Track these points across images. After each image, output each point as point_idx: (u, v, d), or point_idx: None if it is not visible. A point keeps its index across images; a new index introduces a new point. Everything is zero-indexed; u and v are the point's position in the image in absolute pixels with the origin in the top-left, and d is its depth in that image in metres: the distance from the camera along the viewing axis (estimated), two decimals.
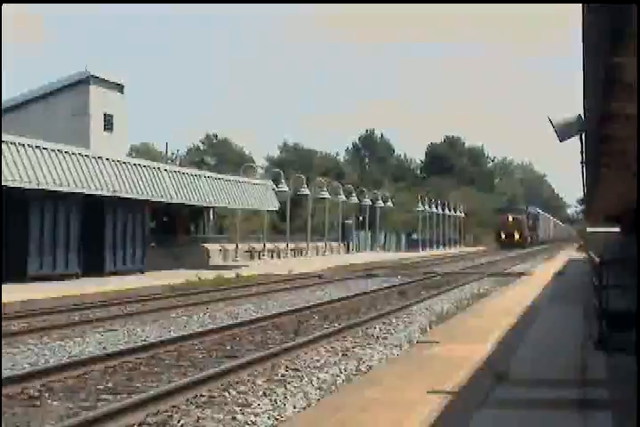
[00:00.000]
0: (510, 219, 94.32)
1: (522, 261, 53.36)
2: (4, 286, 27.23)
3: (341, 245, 71.77)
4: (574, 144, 11.99)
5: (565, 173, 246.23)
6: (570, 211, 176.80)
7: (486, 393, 9.37)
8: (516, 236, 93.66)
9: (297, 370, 12.55)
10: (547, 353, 12.63)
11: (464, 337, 14.52)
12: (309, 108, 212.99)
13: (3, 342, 15.55)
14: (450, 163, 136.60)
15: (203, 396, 10.54)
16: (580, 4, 5.53)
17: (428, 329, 17.12)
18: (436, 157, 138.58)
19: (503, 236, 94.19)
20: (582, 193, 23.13)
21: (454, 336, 14.70)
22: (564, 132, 11.54)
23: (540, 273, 36.45)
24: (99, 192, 32.87)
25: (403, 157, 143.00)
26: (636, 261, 13.40)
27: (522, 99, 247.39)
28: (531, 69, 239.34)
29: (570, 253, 67.90)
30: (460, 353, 12.45)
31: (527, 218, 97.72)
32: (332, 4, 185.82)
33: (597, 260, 14.92)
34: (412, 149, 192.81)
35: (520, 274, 36.58)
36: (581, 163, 13.22)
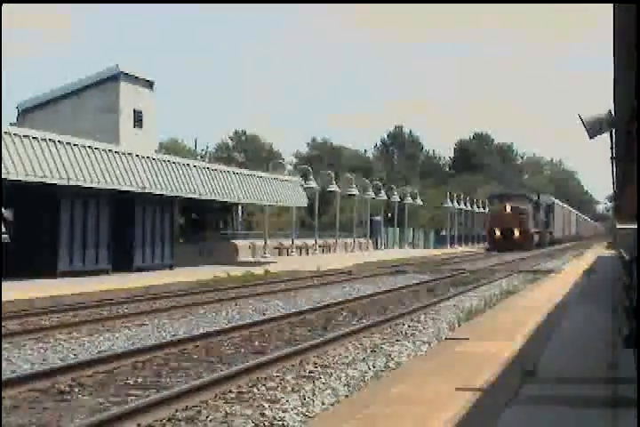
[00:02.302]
0: (508, 209, 71.64)
1: (551, 259, 53.11)
2: (34, 281, 27.46)
3: (369, 241, 71.71)
4: (605, 140, 11.95)
5: (596, 169, 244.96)
6: (599, 207, 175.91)
7: (515, 390, 9.35)
8: (516, 233, 70.73)
9: (325, 366, 12.55)
10: (575, 350, 12.58)
11: (493, 334, 14.48)
12: (338, 105, 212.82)
13: (33, 338, 15.67)
14: (479, 159, 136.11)
15: (231, 392, 10.56)
16: (611, 4, 5.51)
17: (457, 326, 17.07)
18: (465, 153, 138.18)
19: (497, 233, 71.58)
20: (612, 190, 22.99)
21: (483, 333, 14.67)
22: (594, 129, 11.48)
23: (569, 270, 36.29)
24: (128, 189, 32.99)
25: (431, 153, 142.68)
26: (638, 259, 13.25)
27: (552, 95, 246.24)
28: (561, 66, 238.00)
29: (599, 251, 67.55)
30: (489, 350, 12.43)
31: (535, 209, 75.77)
32: (359, 4, 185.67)
33: (627, 257, 14.84)
34: (440, 145, 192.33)
35: (549, 271, 36.43)
36: (611, 159, 13.16)
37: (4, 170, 26.61)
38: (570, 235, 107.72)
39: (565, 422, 8.06)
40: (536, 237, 75.76)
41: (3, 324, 17.84)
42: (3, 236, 34.08)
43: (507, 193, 79.21)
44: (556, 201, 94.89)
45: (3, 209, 33.46)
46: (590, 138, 11.65)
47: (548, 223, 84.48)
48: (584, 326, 15.66)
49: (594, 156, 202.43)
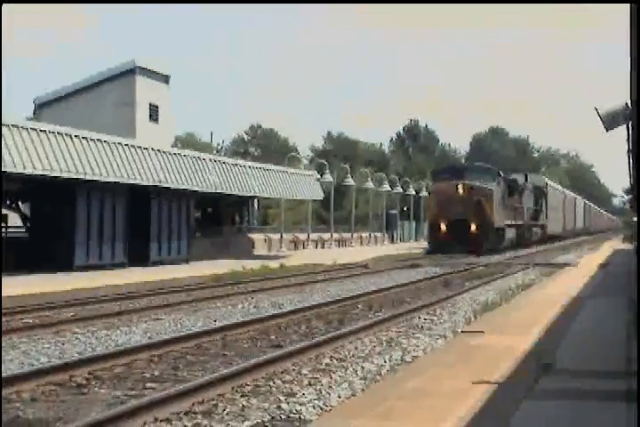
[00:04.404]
0: (460, 190, 47.73)
1: (566, 252, 52.96)
2: (51, 275, 27.57)
3: (385, 235, 71.68)
4: (621, 133, 11.94)
5: (612, 162, 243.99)
6: (616, 201, 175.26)
7: (532, 384, 9.35)
8: (472, 227, 47.19)
9: (341, 360, 12.57)
10: (592, 344, 12.57)
11: (508, 328, 14.47)
12: (354, 101, 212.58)
13: (50, 331, 15.74)
14: (494, 153, 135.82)
15: (248, 385, 10.59)
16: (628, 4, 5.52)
17: (473, 319, 17.06)
18: (481, 147, 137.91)
19: (442, 227, 47.57)
20: (629, 182, 22.96)
21: (499, 327, 14.66)
22: (610, 122, 11.48)
23: (585, 264, 36.20)
24: (145, 183, 33.05)
25: (447, 147, 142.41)
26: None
27: (569, 88, 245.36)
28: (578, 59, 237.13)
29: (615, 245, 67.26)
30: (505, 343, 12.42)
31: (508, 190, 53.45)
32: (374, 4, 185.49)
33: None
34: (456, 139, 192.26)
35: (564, 265, 36.35)
36: (628, 152, 13.14)
37: (20, 164, 26.70)
38: (574, 229, 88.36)
39: (582, 416, 8.06)
40: (509, 233, 53.30)
41: (21, 317, 17.97)
42: (19, 230, 34.22)
43: (459, 166, 58.37)
44: (551, 183, 74.33)
45: (19, 204, 33.60)
46: (607, 131, 11.65)
47: (536, 213, 64.61)
48: (600, 320, 15.63)
49: (611, 149, 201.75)
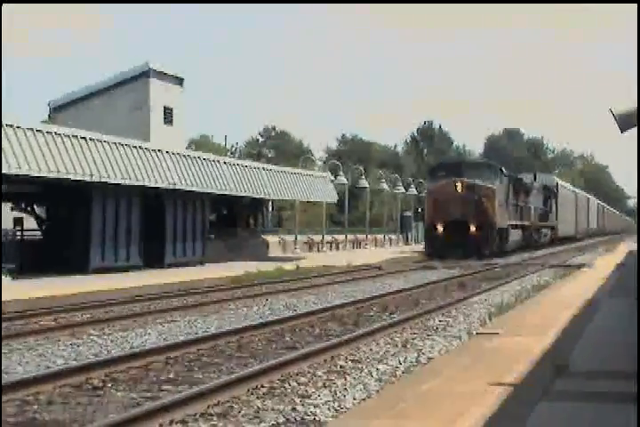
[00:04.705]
0: (459, 188, 44.71)
1: (582, 253, 52.85)
2: (66, 278, 27.63)
3: (400, 236, 71.64)
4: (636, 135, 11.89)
5: (627, 164, 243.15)
6: (631, 202, 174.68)
7: (547, 385, 9.34)
8: (472, 228, 44.08)
9: (357, 361, 12.58)
10: (608, 346, 12.54)
11: (524, 329, 14.45)
12: (368, 103, 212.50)
13: (66, 334, 15.79)
14: (509, 154, 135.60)
15: (263, 387, 10.61)
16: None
17: (488, 321, 17.05)
18: (495, 148, 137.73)
19: (439, 228, 44.56)
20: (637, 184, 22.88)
21: (514, 328, 14.64)
22: (625, 123, 11.44)
23: (601, 265, 36.09)
24: (159, 185, 33.11)
25: (461, 148, 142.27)
26: None
27: (583, 89, 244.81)
28: (594, 59, 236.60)
29: (631, 246, 67.01)
30: (521, 345, 12.41)
31: (513, 188, 50.38)
32: (388, 4, 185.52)
33: None
34: (470, 140, 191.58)
35: (580, 266, 36.25)
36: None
37: (35, 167, 26.79)
38: (588, 230, 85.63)
39: (597, 418, 8.05)
40: (514, 235, 50.01)
41: (37, 319, 18.04)
42: (35, 233, 34.33)
43: (458, 161, 54.46)
44: (562, 183, 71.43)
45: (35, 207, 33.71)
46: (621, 132, 11.61)
47: (545, 214, 61.61)
48: (616, 321, 15.60)
49: (626, 150, 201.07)
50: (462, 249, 43.32)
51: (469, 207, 44.49)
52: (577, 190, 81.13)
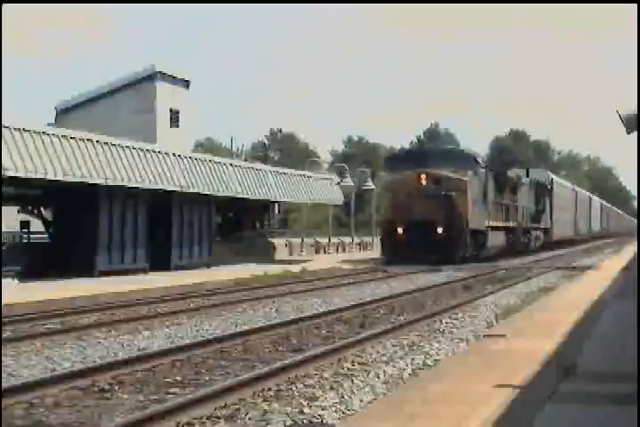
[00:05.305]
0: (423, 180, 38.25)
1: (587, 255, 52.79)
2: (73, 280, 27.66)
3: None
4: None
5: (634, 165, 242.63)
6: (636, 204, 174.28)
7: (554, 387, 9.32)
8: (439, 229, 37.98)
9: (363, 364, 12.57)
10: (614, 348, 12.52)
11: (530, 331, 14.43)
12: (373, 105, 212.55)
13: (73, 336, 15.80)
14: (514, 156, 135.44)
15: (270, 389, 10.60)
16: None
17: (494, 323, 17.04)
18: (501, 150, 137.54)
19: (399, 230, 38.34)
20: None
21: (521, 330, 14.62)
22: (631, 124, 11.44)
23: (607, 267, 36.04)
24: (166, 187, 33.15)
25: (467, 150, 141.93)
26: None
27: (590, 92, 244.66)
28: (600, 64, 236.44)
29: (637, 248, 66.83)
30: (527, 347, 12.39)
31: (494, 182, 43.52)
32: (389, 4, 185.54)
33: None
34: (477, 142, 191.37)
35: (586, 268, 36.21)
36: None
37: (41, 170, 26.84)
38: (590, 232, 80.00)
39: (604, 420, 8.04)
40: (495, 238, 42.96)
41: (44, 322, 18.06)
42: (41, 236, 34.38)
43: (422, 150, 45.98)
44: (558, 179, 65.01)
45: (41, 209, 33.74)
46: (628, 133, 11.61)
47: (538, 214, 55.34)
48: (623, 324, 15.57)
49: (632, 151, 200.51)
50: (428, 255, 36.88)
51: (436, 204, 37.70)
52: (577, 188, 74.42)
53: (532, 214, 54.12)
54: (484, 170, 41.91)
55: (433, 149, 42.59)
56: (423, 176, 38.12)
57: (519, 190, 49.95)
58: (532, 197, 54.33)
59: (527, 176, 54.29)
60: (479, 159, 41.86)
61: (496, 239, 43.62)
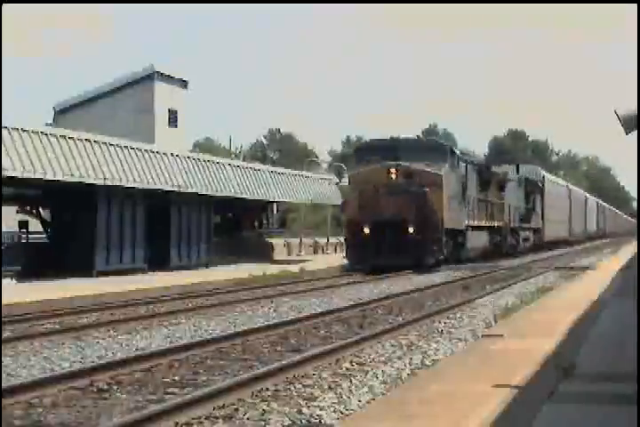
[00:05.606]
0: (392, 175, 34.83)
1: (587, 255, 52.80)
2: (71, 280, 27.65)
3: None
4: None
5: (633, 165, 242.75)
6: (635, 204, 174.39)
7: (553, 387, 9.31)
8: (410, 229, 34.28)
9: (362, 364, 12.56)
10: (614, 348, 12.51)
11: (529, 331, 14.42)
12: (371, 105, 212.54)
13: (72, 336, 15.79)
14: (513, 156, 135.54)
15: (268, 389, 10.59)
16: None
17: (493, 323, 17.03)
18: (500, 150, 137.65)
19: (365, 230, 34.46)
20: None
21: (519, 330, 14.61)
22: (630, 125, 11.42)
23: (606, 267, 36.04)
24: (164, 187, 33.16)
25: (465, 150, 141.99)
26: None
27: (588, 92, 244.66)
28: (598, 63, 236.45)
29: (635, 248, 66.83)
30: (526, 347, 12.38)
31: (477, 176, 41.20)
32: (388, 4, 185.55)
33: None
34: (475, 142, 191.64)
35: (585, 268, 36.20)
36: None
37: (40, 170, 26.83)
38: (586, 232, 77.53)
39: (603, 420, 8.03)
40: (476, 239, 40.02)
41: (42, 322, 18.05)
42: (40, 236, 34.39)
43: (391, 141, 36.47)
44: (550, 177, 61.72)
45: (40, 209, 33.75)
46: (626, 134, 11.59)
47: (527, 213, 52.51)
48: (622, 324, 15.56)
49: (631, 151, 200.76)
50: (398, 258, 33.81)
51: (407, 201, 34.26)
52: (571, 186, 70.88)
53: (522, 213, 51.43)
54: (464, 164, 38.82)
55: (405, 140, 37.06)
56: (393, 170, 34.65)
57: (507, 187, 47.10)
58: (522, 194, 51.71)
59: (517, 173, 51.44)
60: (456, 150, 38.29)
61: (478, 240, 40.64)
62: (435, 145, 37.71)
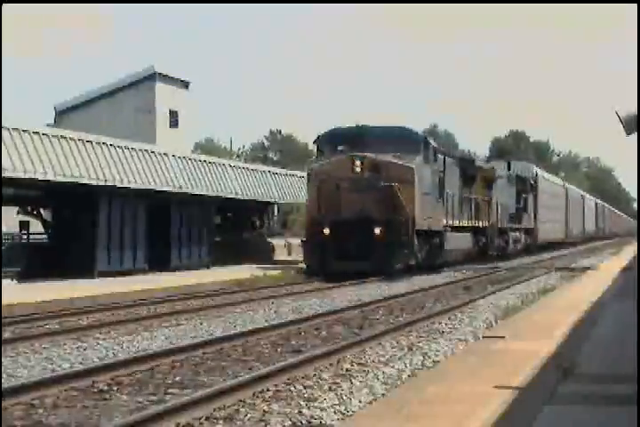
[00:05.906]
0: (357, 167, 30.24)
1: (588, 256, 52.77)
2: (72, 281, 27.65)
3: None
4: None
5: (633, 166, 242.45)
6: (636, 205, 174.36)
7: (553, 388, 9.32)
8: (377, 229, 29.82)
9: (362, 365, 12.55)
10: (614, 349, 12.51)
11: (530, 332, 14.43)
12: (371, 106, 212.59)
13: (72, 337, 15.79)
14: (514, 157, 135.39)
15: (269, 390, 10.58)
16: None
17: (494, 324, 17.02)
18: (501, 151, 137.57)
19: (325, 230, 30.00)
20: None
21: (520, 331, 14.61)
22: (631, 126, 11.42)
23: (607, 268, 36.03)
24: (165, 188, 33.16)
25: (466, 151, 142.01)
26: None
27: (589, 93, 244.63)
28: (599, 64, 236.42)
29: (636, 249, 66.81)
30: (526, 348, 12.39)
31: (460, 175, 37.86)
32: (388, 4, 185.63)
33: None
34: (475, 142, 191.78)
35: (586, 269, 36.19)
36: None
37: (41, 171, 26.84)
38: (584, 233, 74.41)
39: (603, 421, 8.03)
40: (456, 241, 36.19)
41: (43, 323, 18.05)
42: (41, 237, 34.39)
43: (358, 129, 31.75)
44: (544, 174, 58.31)
45: (41, 210, 33.77)
46: (627, 135, 11.59)
47: (518, 212, 48.80)
48: (623, 324, 15.56)
49: (632, 152, 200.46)
50: (359, 263, 30.09)
51: (373, 198, 30.42)
52: (568, 185, 67.58)
53: (512, 213, 47.46)
54: (442, 156, 35.06)
55: (372, 129, 32.06)
56: (358, 162, 30.41)
57: (495, 184, 43.30)
58: (513, 192, 47.85)
59: (509, 169, 47.50)
60: (430, 140, 33.85)
61: (458, 242, 36.51)
62: (406, 133, 32.48)
